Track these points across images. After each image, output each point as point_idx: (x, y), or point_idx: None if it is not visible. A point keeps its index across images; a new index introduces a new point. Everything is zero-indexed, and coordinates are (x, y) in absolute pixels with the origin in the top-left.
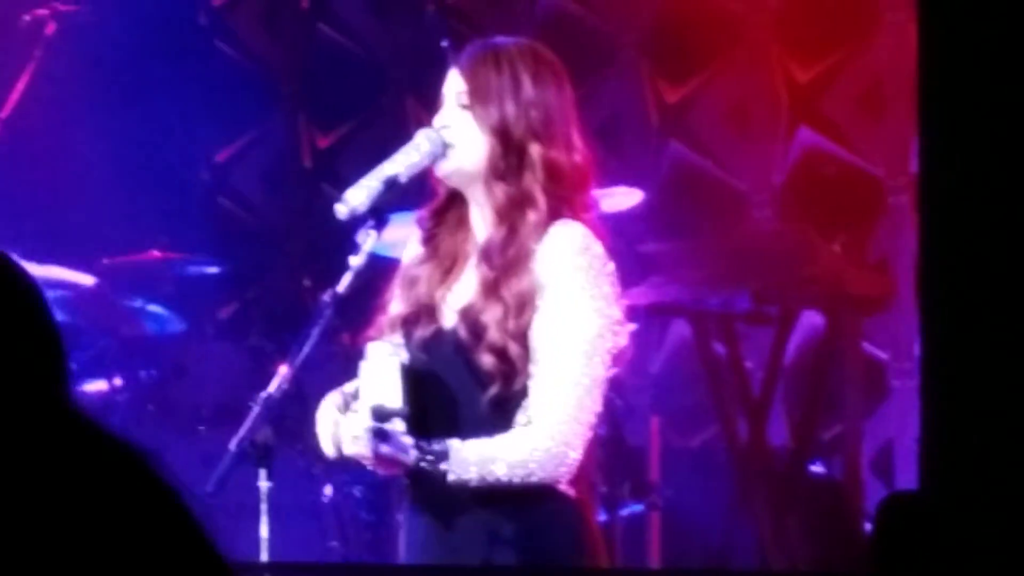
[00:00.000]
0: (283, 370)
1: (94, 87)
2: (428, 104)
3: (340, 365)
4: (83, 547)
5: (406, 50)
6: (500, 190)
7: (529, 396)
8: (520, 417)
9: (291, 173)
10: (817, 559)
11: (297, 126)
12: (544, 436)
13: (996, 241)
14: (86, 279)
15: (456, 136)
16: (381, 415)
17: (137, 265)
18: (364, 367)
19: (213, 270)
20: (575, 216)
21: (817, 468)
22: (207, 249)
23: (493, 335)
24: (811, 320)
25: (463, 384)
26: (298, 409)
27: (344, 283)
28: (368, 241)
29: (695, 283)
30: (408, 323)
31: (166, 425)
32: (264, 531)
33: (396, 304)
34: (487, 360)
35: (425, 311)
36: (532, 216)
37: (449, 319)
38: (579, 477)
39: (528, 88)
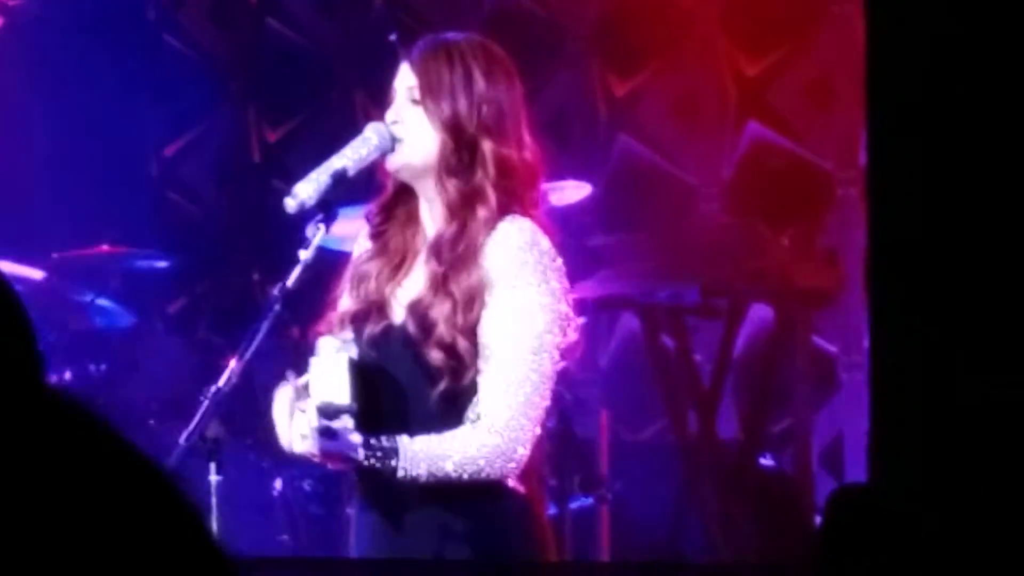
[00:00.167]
0: (232, 364)
1: (42, 81)
2: (377, 98)
3: (289, 359)
4: (80, 532)
5: (354, 44)
6: (452, 186)
7: (479, 392)
8: (470, 412)
9: (240, 167)
10: (766, 552)
11: (246, 120)
12: (493, 433)
13: (944, 233)
14: (35, 273)
15: (407, 131)
16: (329, 412)
17: (86, 259)
18: (314, 363)
19: (162, 264)
20: (524, 212)
21: (767, 461)
22: (156, 243)
23: (442, 331)
24: (760, 313)
25: (413, 380)
26: (247, 403)
27: (293, 277)
28: (317, 235)
29: (644, 276)
30: (358, 319)
31: (116, 419)
32: (214, 525)
33: (346, 300)
34: (436, 356)
35: (375, 307)
36: (482, 212)
37: (399, 315)
38: (528, 472)
39: (480, 84)
